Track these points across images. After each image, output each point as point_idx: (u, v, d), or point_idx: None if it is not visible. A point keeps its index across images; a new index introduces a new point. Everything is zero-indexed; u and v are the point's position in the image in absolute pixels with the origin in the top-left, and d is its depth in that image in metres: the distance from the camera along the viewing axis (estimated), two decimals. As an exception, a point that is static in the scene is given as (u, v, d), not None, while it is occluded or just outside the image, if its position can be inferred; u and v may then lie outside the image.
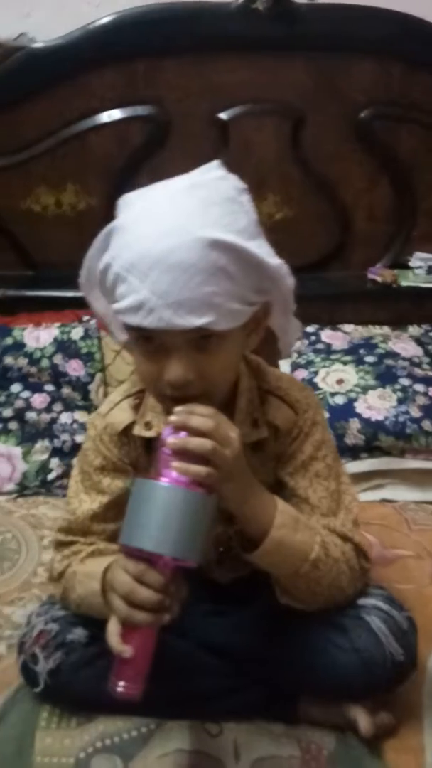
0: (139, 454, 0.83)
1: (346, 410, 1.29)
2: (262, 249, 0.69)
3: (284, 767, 0.76)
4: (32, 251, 1.66)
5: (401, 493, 1.29)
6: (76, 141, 1.56)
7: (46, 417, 1.38)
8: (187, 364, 0.67)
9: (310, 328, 1.50)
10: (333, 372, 1.37)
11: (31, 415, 1.38)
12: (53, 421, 1.39)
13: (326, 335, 1.48)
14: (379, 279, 1.57)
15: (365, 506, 1.15)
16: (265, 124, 1.55)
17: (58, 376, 1.41)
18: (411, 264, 1.62)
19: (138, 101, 1.54)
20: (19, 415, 1.38)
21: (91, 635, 0.80)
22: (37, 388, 1.40)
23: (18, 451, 1.35)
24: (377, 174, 1.59)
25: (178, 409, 0.67)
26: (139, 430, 0.81)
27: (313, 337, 1.48)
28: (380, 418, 1.28)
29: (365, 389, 1.32)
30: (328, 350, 1.43)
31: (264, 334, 0.77)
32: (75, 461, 1.30)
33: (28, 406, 1.39)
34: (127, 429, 0.82)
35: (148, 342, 0.69)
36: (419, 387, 1.33)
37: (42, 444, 1.37)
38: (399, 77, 1.52)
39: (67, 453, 1.37)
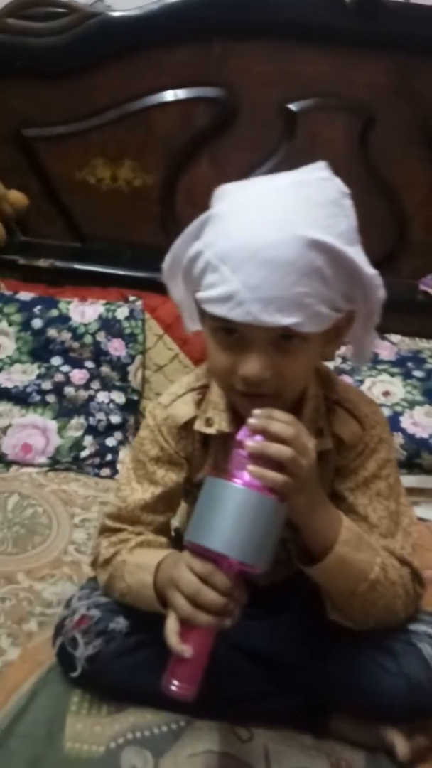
0: (195, 449, 0.81)
1: (391, 424, 1.25)
2: (359, 256, 0.68)
3: (314, 781, 0.75)
4: (82, 223, 1.64)
5: (436, 513, 1.28)
6: (140, 116, 1.53)
7: (83, 394, 1.37)
8: (265, 361, 0.66)
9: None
10: (379, 383, 1.35)
11: (69, 390, 1.37)
12: (90, 398, 1.37)
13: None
14: (431, 291, 1.54)
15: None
16: (335, 120, 1.51)
17: (99, 354, 1.40)
18: (464, 279, 1.59)
19: (208, 82, 1.50)
20: (57, 389, 1.37)
21: (132, 626, 0.79)
22: (77, 364, 1.39)
23: (54, 425, 1.34)
24: (443, 184, 1.56)
25: (257, 412, 0.66)
26: (199, 426, 0.80)
27: (359, 344, 1.46)
28: (425, 435, 1.26)
29: (412, 404, 1.30)
30: (375, 359, 1.41)
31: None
32: (111, 443, 1.33)
33: (68, 381, 1.37)
34: (188, 423, 0.80)
35: (228, 334, 0.68)
36: (467, 408, 1.31)
37: (78, 420, 1.35)
38: None
39: (102, 432, 1.36)
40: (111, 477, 1.32)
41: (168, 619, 0.66)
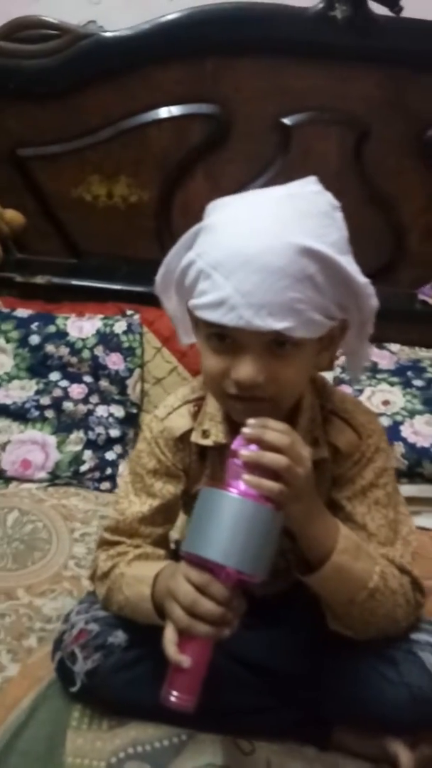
0: (193, 461, 0.82)
1: (391, 433, 1.27)
2: (351, 265, 0.69)
3: (317, 794, 0.74)
4: (78, 240, 1.65)
5: (438, 522, 1.27)
6: (135, 133, 1.55)
7: (82, 408, 1.37)
8: (258, 365, 0.67)
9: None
10: (379, 392, 1.35)
11: (68, 405, 1.37)
12: (89, 413, 1.38)
13: (372, 353, 1.46)
14: (430, 300, 1.55)
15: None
16: (328, 133, 1.53)
17: (97, 368, 1.40)
18: (461, 288, 1.60)
19: (202, 99, 1.52)
20: (56, 404, 1.37)
21: (131, 639, 0.79)
22: (75, 379, 1.39)
23: (53, 439, 1.34)
24: (438, 194, 1.57)
25: (251, 421, 0.66)
26: (196, 438, 0.80)
27: (358, 354, 1.46)
28: (426, 445, 1.26)
29: (412, 414, 1.30)
30: (374, 369, 1.41)
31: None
32: (111, 456, 1.33)
33: (66, 396, 1.38)
34: (184, 435, 0.81)
35: (221, 340, 0.68)
36: (468, 417, 1.31)
37: (77, 435, 1.36)
38: (471, 99, 1.49)
39: (101, 446, 1.36)
40: (111, 491, 1.32)
41: (166, 630, 0.66)
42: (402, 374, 1.39)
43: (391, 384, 1.36)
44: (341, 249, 0.68)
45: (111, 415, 1.39)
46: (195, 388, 0.83)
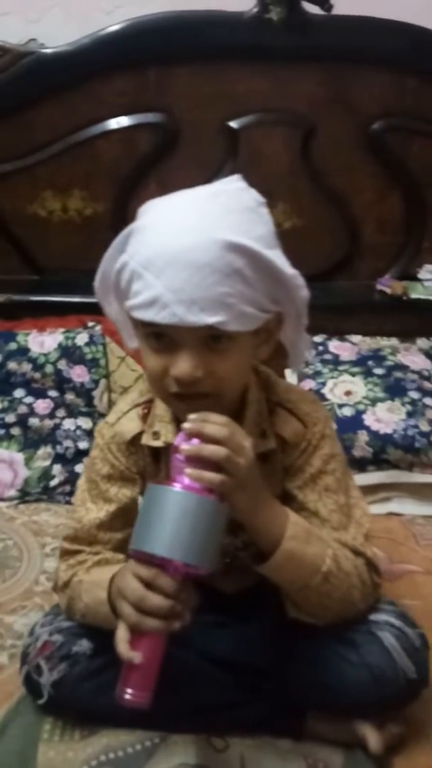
0: (147, 464, 0.82)
1: (355, 422, 1.28)
2: (279, 258, 0.70)
3: (291, 785, 0.74)
4: (37, 256, 1.65)
5: (408, 507, 1.28)
6: (84, 147, 1.56)
7: (49, 423, 1.37)
8: (195, 360, 0.67)
9: (317, 339, 1.50)
10: (341, 383, 1.36)
11: (33, 421, 1.37)
12: (56, 427, 1.37)
13: (334, 346, 1.47)
14: (388, 290, 1.57)
15: (371, 519, 1.13)
16: (275, 134, 1.55)
17: (62, 382, 1.40)
18: (420, 276, 1.62)
19: (147, 108, 1.54)
20: (21, 421, 1.37)
21: (96, 647, 0.79)
22: (40, 394, 1.39)
23: (20, 457, 1.34)
24: (388, 186, 1.59)
25: (192, 416, 0.67)
26: (147, 440, 0.80)
27: (320, 348, 1.47)
28: (389, 431, 1.27)
29: (374, 401, 1.31)
30: (336, 361, 1.42)
31: (274, 347, 0.78)
32: (81, 469, 1.33)
33: (31, 412, 1.38)
34: (135, 438, 0.81)
35: (159, 339, 0.69)
36: (429, 401, 1.32)
37: (44, 450, 1.35)
38: (412, 90, 1.52)
39: (70, 459, 1.36)
40: (83, 503, 1.31)
41: (118, 629, 0.66)
42: (363, 364, 1.40)
43: (353, 374, 1.37)
44: (268, 243, 0.69)
45: (79, 427, 1.38)
46: (143, 392, 0.83)
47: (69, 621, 0.81)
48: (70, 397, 1.40)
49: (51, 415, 1.38)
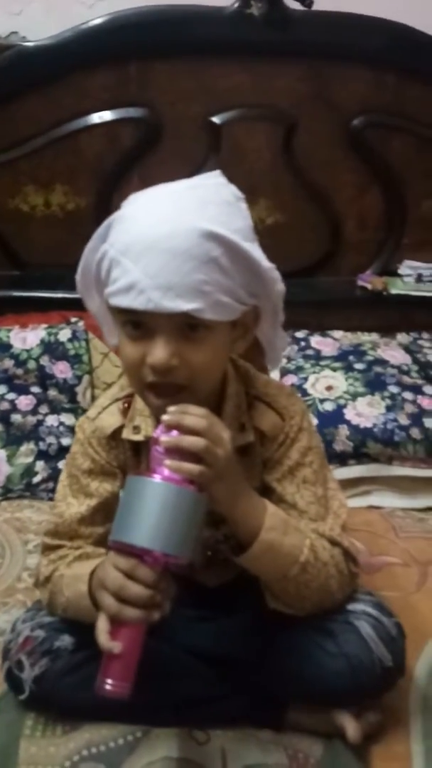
0: (128, 458, 0.82)
1: (335, 417, 1.29)
2: (255, 251, 0.70)
3: (271, 775, 0.75)
4: (19, 251, 1.64)
5: (388, 500, 1.29)
6: (67, 141, 1.55)
7: (32, 419, 1.37)
8: (171, 348, 0.67)
9: (299, 334, 1.51)
10: (322, 378, 1.37)
11: (16, 417, 1.36)
12: (39, 423, 1.37)
13: (315, 341, 1.48)
14: (369, 286, 1.58)
15: (352, 512, 1.14)
16: (257, 129, 1.55)
17: (44, 378, 1.40)
18: (400, 272, 1.63)
19: (130, 103, 1.53)
20: (4, 418, 1.36)
21: (78, 642, 0.79)
22: (23, 390, 1.39)
23: (2, 453, 1.33)
24: (368, 182, 1.60)
25: (171, 408, 0.67)
26: (127, 434, 0.81)
27: (302, 343, 1.48)
28: (369, 425, 1.28)
29: (354, 396, 1.32)
30: (317, 356, 1.43)
31: (254, 344, 0.78)
32: (63, 465, 1.32)
33: (14, 408, 1.37)
34: (116, 433, 0.81)
35: (136, 328, 0.69)
36: (408, 395, 1.34)
37: (27, 447, 1.35)
38: (392, 86, 1.53)
39: (53, 456, 1.35)
40: (66, 499, 1.31)
41: (98, 619, 0.66)
42: (344, 359, 1.41)
43: (334, 369, 1.38)
44: (246, 236, 0.70)
45: (62, 423, 1.38)
46: (124, 386, 0.84)
47: (50, 616, 0.82)
48: (53, 393, 1.40)
49: (34, 412, 1.37)
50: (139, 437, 0.80)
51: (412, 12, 1.47)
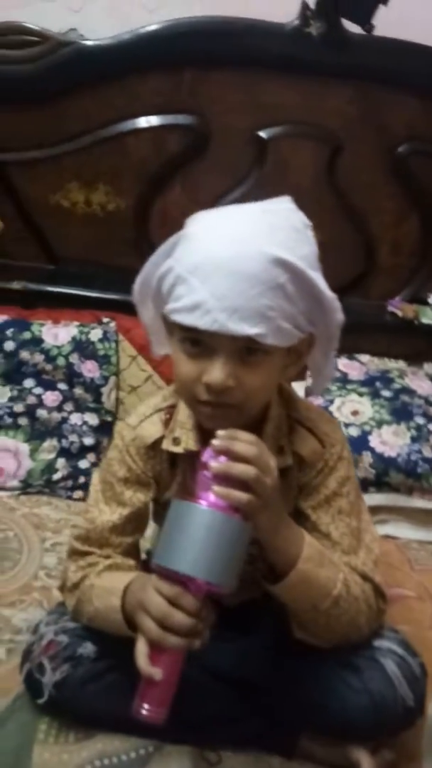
0: (163, 469, 0.82)
1: (360, 443, 1.30)
2: (320, 280, 0.71)
3: (281, 803, 0.75)
4: (55, 246, 1.64)
5: (404, 531, 1.29)
6: (114, 142, 1.55)
7: (56, 416, 1.37)
8: (229, 369, 0.68)
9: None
10: (348, 402, 1.37)
11: (41, 413, 1.37)
12: (63, 420, 1.37)
13: (343, 364, 1.48)
14: (399, 313, 1.58)
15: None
16: (303, 147, 1.55)
17: (72, 376, 1.40)
18: (430, 301, 1.63)
19: (180, 110, 1.53)
20: (29, 412, 1.36)
21: (100, 651, 0.79)
22: (50, 386, 1.39)
23: (25, 447, 1.34)
24: (408, 208, 1.60)
25: (221, 433, 0.67)
26: (167, 445, 0.81)
27: (330, 365, 1.48)
28: (393, 454, 1.28)
29: (380, 424, 1.32)
30: (344, 380, 1.43)
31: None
32: (85, 465, 1.33)
33: (40, 403, 1.37)
34: (155, 443, 0.81)
35: (195, 345, 0.70)
36: (434, 427, 1.34)
37: (50, 443, 1.35)
38: (440, 115, 1.53)
39: (74, 454, 1.36)
40: (84, 500, 1.31)
41: (138, 642, 0.66)
42: (371, 384, 1.41)
43: (360, 394, 1.38)
44: (311, 264, 0.70)
45: (85, 423, 1.38)
46: (166, 397, 0.84)
47: (74, 622, 0.82)
48: (78, 391, 1.40)
49: (59, 408, 1.38)
50: (178, 449, 0.80)
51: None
